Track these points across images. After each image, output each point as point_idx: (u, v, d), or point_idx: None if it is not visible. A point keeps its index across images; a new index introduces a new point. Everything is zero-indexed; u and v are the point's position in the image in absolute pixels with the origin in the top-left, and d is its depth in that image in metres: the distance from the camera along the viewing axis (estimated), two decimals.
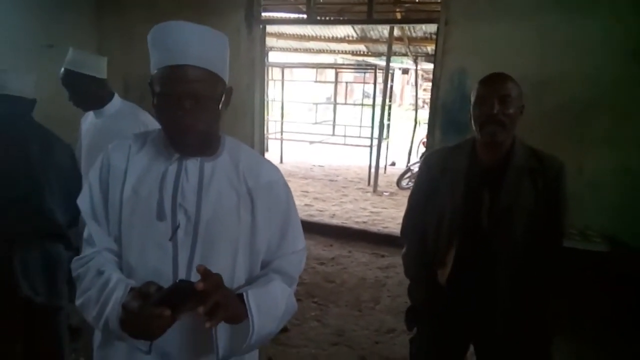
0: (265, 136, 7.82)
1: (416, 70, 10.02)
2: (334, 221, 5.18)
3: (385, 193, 6.75)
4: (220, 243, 1.00)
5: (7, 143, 1.73)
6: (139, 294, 0.85)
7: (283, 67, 9.60)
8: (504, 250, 1.46)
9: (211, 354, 0.95)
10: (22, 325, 1.83)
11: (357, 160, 8.98)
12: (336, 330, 2.94)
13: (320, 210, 5.63)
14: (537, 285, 1.50)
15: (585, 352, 2.63)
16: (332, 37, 8.56)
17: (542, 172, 1.45)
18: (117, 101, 2.02)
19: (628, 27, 2.97)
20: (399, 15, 5.54)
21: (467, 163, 1.49)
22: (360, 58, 10.75)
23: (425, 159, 1.69)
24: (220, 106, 0.97)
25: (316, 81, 11.43)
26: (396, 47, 7.90)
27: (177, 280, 0.87)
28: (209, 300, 0.81)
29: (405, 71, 18.66)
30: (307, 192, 6.62)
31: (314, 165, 8.84)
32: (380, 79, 8.03)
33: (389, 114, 8.10)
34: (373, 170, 6.96)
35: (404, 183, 6.87)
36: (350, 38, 8.47)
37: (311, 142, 9.10)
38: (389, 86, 7.78)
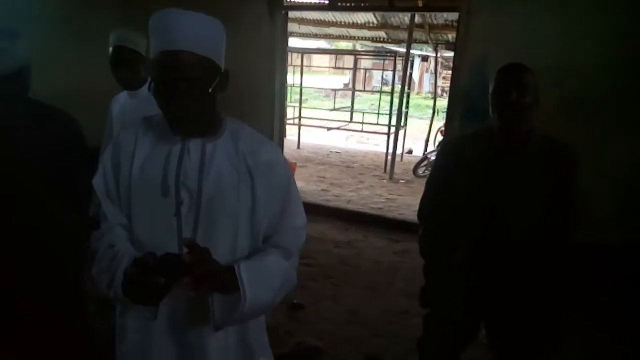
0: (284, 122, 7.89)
1: (436, 58, 9.93)
2: (351, 206, 5.27)
3: (401, 181, 6.79)
4: (221, 219, 1.07)
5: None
6: (138, 264, 0.92)
7: (303, 53, 9.63)
8: (519, 236, 1.52)
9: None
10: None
11: (374, 147, 9.01)
12: (351, 310, 3.05)
13: (337, 196, 5.71)
14: (550, 269, 1.56)
15: (599, 340, 2.69)
16: (353, 23, 8.52)
17: (557, 160, 1.50)
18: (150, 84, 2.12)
19: None
20: (420, 3, 5.51)
21: (485, 150, 1.55)
22: (379, 45, 10.68)
23: (444, 145, 1.76)
24: (214, 89, 1.02)
25: (335, 67, 11.39)
26: (417, 34, 7.84)
27: (165, 253, 0.93)
28: (193, 272, 0.88)
29: (425, 59, 18.47)
30: (324, 177, 6.71)
31: (332, 152, 8.91)
32: (399, 67, 8.01)
33: (408, 102, 8.10)
34: (390, 157, 7.00)
35: (420, 171, 6.91)
36: (371, 25, 8.43)
37: (329, 129, 9.15)
38: (408, 74, 7.76)
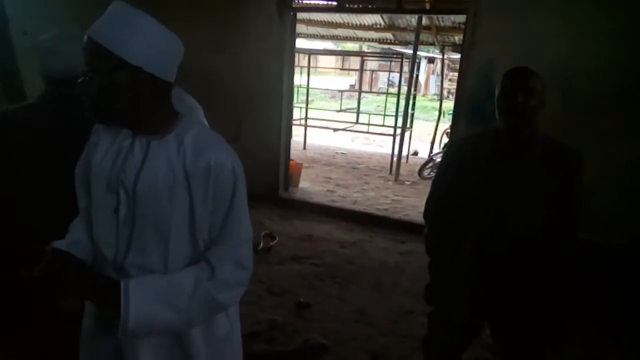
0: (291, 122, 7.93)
1: (443, 60, 9.95)
2: (356, 207, 5.30)
3: (406, 182, 6.81)
4: (152, 221, 1.04)
5: None
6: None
7: (309, 53, 9.67)
8: (523, 237, 1.55)
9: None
10: None
11: (379, 148, 9.03)
12: (357, 309, 3.08)
13: (342, 197, 5.75)
14: (554, 269, 1.59)
15: (604, 341, 2.71)
16: (360, 24, 8.56)
17: (562, 162, 1.53)
18: None
19: None
20: (427, 5, 5.55)
21: (490, 151, 1.58)
22: (386, 46, 10.71)
23: (450, 146, 1.79)
24: (130, 87, 0.98)
25: (342, 68, 11.42)
26: (423, 36, 7.87)
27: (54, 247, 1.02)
28: (33, 270, 0.94)
29: (431, 60, 18.45)
30: (329, 178, 6.74)
31: (337, 153, 8.94)
32: (406, 68, 8.04)
33: (414, 104, 8.12)
34: (395, 159, 7.02)
35: (425, 173, 6.92)
36: (378, 26, 8.47)
37: (335, 130, 9.19)
38: (414, 75, 7.78)
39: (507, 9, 3.38)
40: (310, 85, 9.20)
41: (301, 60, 9.65)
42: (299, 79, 9.71)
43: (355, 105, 10.49)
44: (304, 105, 9.17)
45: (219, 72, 4.87)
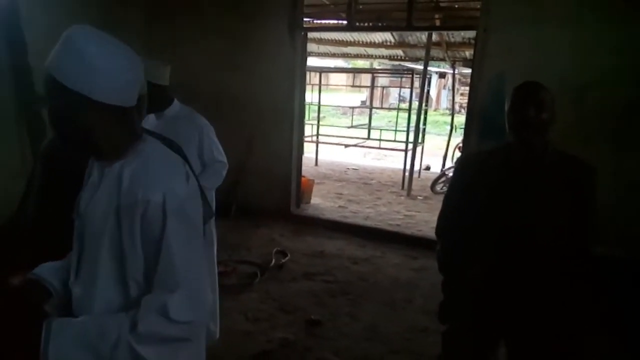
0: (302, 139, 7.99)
1: (453, 75, 9.97)
2: (368, 223, 5.27)
3: (419, 197, 6.77)
4: (89, 251, 1.04)
5: None
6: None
7: (320, 71, 9.79)
8: (536, 251, 1.53)
9: None
10: None
11: (391, 164, 9.01)
12: (369, 326, 3.04)
13: (354, 212, 5.73)
14: (568, 284, 1.56)
15: (619, 356, 2.62)
16: (370, 42, 8.66)
17: (574, 175, 1.51)
18: (176, 105, 2.22)
19: None
20: (437, 22, 5.59)
21: (502, 165, 1.57)
22: (397, 62, 10.79)
23: (461, 161, 1.78)
24: (73, 114, 0.96)
25: (353, 85, 11.52)
26: (434, 51, 7.92)
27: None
28: None
29: (442, 75, 18.50)
30: (341, 194, 6.74)
31: (349, 168, 8.95)
32: (417, 83, 8.07)
33: (425, 119, 8.12)
34: (407, 174, 7.00)
35: (438, 188, 6.87)
36: (388, 43, 8.55)
37: (346, 146, 9.22)
38: (425, 90, 7.81)
39: (516, 24, 3.40)
40: (321, 102, 9.29)
41: (312, 78, 9.78)
42: (310, 96, 9.85)
43: (367, 121, 10.53)
44: (315, 122, 9.24)
45: (232, 91, 4.95)
